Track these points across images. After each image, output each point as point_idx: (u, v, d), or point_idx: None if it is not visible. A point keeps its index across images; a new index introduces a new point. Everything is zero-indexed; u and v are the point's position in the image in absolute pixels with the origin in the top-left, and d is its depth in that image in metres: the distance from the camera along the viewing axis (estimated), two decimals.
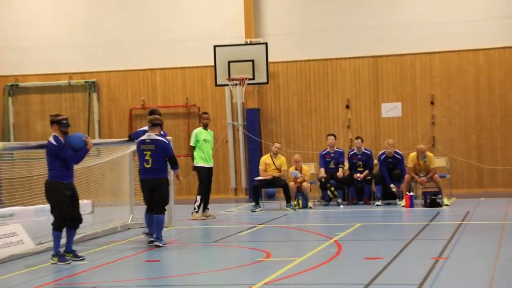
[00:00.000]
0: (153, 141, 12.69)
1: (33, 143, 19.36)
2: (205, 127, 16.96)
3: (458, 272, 9.37)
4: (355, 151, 18.95)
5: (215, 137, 17.98)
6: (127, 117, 22.90)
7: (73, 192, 11.34)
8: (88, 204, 18.47)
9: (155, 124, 12.86)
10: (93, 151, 18.28)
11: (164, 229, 13.11)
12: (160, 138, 12.93)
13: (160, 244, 12.53)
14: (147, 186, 12.97)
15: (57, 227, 11.08)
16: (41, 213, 17.54)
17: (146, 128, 14.02)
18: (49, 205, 11.43)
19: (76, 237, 13.34)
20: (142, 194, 13.34)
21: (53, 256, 10.97)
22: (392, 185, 18.10)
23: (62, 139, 11.17)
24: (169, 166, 13.07)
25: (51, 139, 11.17)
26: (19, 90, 23.49)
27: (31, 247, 12.40)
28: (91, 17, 22.93)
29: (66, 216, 11.07)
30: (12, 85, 23.43)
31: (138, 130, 14.86)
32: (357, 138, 19.25)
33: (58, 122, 11.33)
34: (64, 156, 11.10)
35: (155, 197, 12.80)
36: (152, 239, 12.74)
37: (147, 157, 12.95)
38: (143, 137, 13.20)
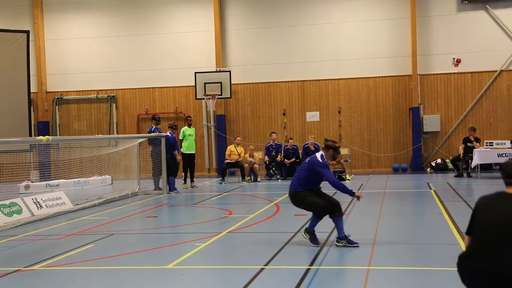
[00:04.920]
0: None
1: (71, 137, 19.10)
2: (189, 126, 16.92)
3: (355, 223, 9.48)
4: (288, 146, 19.09)
5: (196, 133, 17.93)
6: (135, 120, 22.65)
7: None
8: (108, 178, 18.31)
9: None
10: (112, 142, 18.16)
11: (159, 195, 13.19)
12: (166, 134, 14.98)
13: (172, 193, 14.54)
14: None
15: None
16: (77, 184, 17.35)
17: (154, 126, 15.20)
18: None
19: (100, 201, 13.31)
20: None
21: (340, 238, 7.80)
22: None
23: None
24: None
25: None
26: (63, 101, 23.08)
27: (70, 207, 12.29)
28: (111, 53, 22.61)
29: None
30: (58, 98, 23.02)
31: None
32: (290, 138, 19.54)
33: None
34: None
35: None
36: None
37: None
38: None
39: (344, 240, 7.58)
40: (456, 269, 4.01)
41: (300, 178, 7.93)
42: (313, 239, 7.80)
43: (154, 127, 15.85)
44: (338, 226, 7.73)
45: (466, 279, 3.96)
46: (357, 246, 7.50)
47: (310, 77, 21.40)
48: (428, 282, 5.98)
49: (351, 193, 7.82)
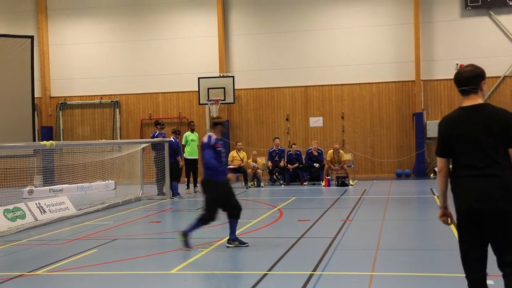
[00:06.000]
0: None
1: (74, 142, 19.15)
2: (192, 131, 16.92)
3: (358, 229, 9.49)
4: (291, 151, 19.09)
5: (199, 138, 17.93)
6: (139, 125, 22.69)
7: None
8: (112, 183, 18.32)
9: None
10: (116, 147, 18.19)
11: (162, 200, 13.22)
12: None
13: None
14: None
15: None
16: (81, 189, 17.37)
17: (158, 132, 15.22)
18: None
19: (103, 206, 13.32)
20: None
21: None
22: (316, 164, 18.34)
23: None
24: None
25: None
26: (67, 106, 23.14)
27: (74, 212, 12.30)
28: (115, 59, 22.69)
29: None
30: (62, 103, 23.09)
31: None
32: (294, 144, 19.52)
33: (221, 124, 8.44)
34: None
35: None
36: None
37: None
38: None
39: (237, 241, 7.95)
40: (463, 275, 4.02)
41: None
42: (186, 243, 8.02)
43: (157, 132, 15.88)
44: (234, 228, 8.05)
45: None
46: (247, 246, 7.92)
47: (314, 83, 21.41)
48: None
49: (224, 173, 7.98)
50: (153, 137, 15.89)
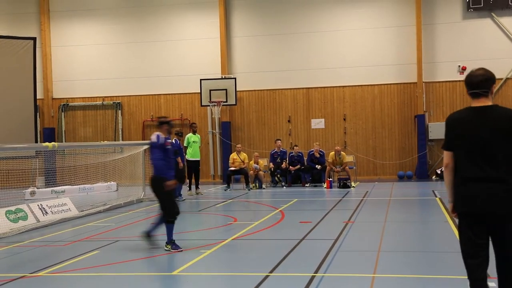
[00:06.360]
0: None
1: (76, 143, 19.18)
2: (194, 132, 16.92)
3: (360, 231, 9.48)
4: (293, 153, 19.08)
5: (201, 140, 17.94)
6: (141, 127, 22.71)
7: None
8: (114, 184, 18.33)
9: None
10: (118, 149, 18.21)
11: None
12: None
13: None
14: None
15: None
16: (82, 191, 17.39)
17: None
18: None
19: (105, 207, 13.33)
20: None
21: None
22: (318, 166, 18.33)
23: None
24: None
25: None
26: (69, 108, 23.17)
27: (76, 213, 12.31)
28: (117, 60, 22.73)
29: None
30: (64, 104, 23.13)
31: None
32: (295, 145, 19.50)
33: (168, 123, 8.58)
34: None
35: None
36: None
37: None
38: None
39: (170, 245, 8.05)
40: (465, 277, 4.01)
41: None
42: (150, 241, 8.28)
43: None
44: (157, 226, 8.30)
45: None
46: (181, 251, 7.94)
47: (315, 84, 21.41)
48: None
49: (172, 173, 8.11)
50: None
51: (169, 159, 8.22)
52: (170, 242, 8.14)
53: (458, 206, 4.14)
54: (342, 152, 18.63)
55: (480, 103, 4.13)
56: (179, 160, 15.23)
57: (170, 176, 8.13)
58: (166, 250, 8.10)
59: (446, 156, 4.25)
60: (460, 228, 4.17)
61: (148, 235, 8.42)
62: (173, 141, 15.16)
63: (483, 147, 4.01)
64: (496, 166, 3.98)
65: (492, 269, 4.18)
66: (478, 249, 4.04)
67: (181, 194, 15.21)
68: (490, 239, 4.08)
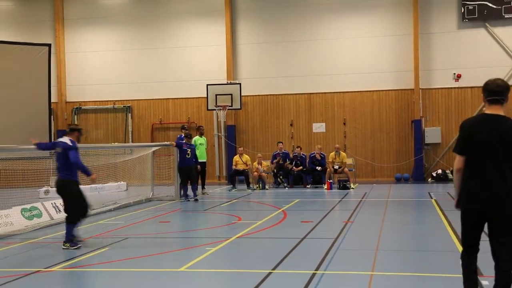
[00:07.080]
0: None
1: (88, 145, 19.19)
2: (201, 135, 16.97)
3: (359, 230, 9.48)
4: (296, 154, 19.09)
5: (207, 142, 17.97)
6: (150, 129, 22.76)
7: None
8: (124, 184, 18.36)
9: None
10: (128, 150, 18.25)
11: (171, 202, 13.26)
12: None
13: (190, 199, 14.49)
14: (184, 171, 14.54)
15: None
16: (94, 190, 17.41)
17: (182, 135, 15.20)
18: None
19: (116, 206, 13.36)
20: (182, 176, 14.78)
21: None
22: (319, 168, 18.32)
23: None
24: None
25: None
26: (81, 111, 23.26)
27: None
28: (128, 66, 22.79)
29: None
30: (77, 108, 23.22)
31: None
32: (298, 147, 19.48)
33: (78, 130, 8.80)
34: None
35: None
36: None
37: (188, 152, 14.57)
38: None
39: (68, 244, 8.15)
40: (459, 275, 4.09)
41: (66, 165, 8.26)
42: (74, 244, 8.20)
43: (183, 135, 15.82)
44: (71, 230, 8.26)
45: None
46: (79, 248, 8.03)
47: (317, 90, 21.43)
48: (428, 287, 5.96)
49: (88, 174, 8.27)
50: (179, 139, 15.88)
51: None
52: (69, 240, 8.20)
53: (462, 201, 4.35)
54: (341, 152, 18.71)
55: (494, 110, 4.31)
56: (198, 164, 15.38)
57: (77, 176, 8.35)
58: (64, 248, 8.15)
59: (459, 160, 4.41)
60: (462, 217, 4.41)
61: (68, 241, 8.28)
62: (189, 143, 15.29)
63: (491, 151, 4.19)
64: (500, 169, 4.17)
65: (485, 267, 4.20)
66: (475, 233, 4.40)
67: (188, 194, 15.22)
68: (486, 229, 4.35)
